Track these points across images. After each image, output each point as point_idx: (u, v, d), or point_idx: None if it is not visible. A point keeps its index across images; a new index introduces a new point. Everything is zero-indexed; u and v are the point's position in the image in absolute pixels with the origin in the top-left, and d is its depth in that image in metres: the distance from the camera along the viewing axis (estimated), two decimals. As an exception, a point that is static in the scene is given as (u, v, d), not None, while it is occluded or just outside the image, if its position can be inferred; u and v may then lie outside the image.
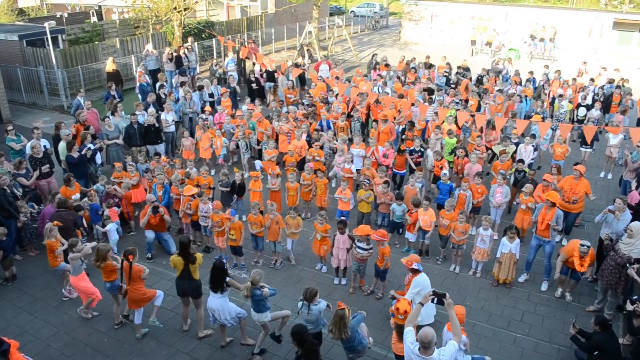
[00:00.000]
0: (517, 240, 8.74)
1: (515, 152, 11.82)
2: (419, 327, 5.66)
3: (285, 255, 9.76)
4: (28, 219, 9.63)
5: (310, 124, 13.54)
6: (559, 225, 8.84)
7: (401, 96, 15.15)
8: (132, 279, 7.35)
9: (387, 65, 18.96)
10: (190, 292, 7.64)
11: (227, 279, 7.15)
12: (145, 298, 7.60)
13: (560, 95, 15.40)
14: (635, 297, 7.02)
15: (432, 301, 5.65)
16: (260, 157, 12.72)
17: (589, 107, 14.76)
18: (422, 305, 5.71)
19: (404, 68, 19.35)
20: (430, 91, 16.05)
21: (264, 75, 17.92)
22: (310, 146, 12.22)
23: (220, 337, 7.62)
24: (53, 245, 8.37)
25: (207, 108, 14.28)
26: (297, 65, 18.56)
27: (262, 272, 7.06)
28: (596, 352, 6.73)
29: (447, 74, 18.49)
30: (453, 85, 17.20)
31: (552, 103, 15.98)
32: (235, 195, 10.82)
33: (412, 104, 14.54)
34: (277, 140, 12.96)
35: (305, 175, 10.90)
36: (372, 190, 10.40)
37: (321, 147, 12.06)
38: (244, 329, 7.48)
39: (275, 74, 17.77)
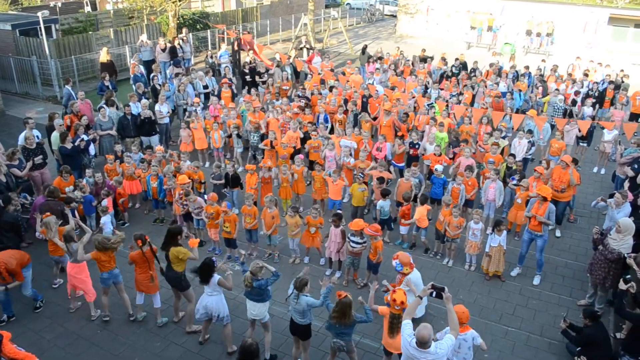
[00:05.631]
0: (505, 232, 8.78)
1: (507, 145, 11.83)
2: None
3: (280, 249, 9.75)
4: (19, 211, 9.55)
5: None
6: (551, 220, 8.87)
7: (393, 88, 15.12)
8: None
9: (380, 58, 18.88)
10: (171, 282, 7.62)
11: (218, 278, 7.03)
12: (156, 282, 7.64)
13: (557, 89, 15.34)
14: (629, 276, 7.05)
15: (431, 294, 5.68)
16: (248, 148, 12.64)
17: (580, 103, 14.76)
18: (421, 298, 5.74)
19: (397, 57, 19.31)
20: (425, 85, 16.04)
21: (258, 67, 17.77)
22: (304, 138, 12.20)
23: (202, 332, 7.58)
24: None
25: (196, 100, 14.18)
26: (289, 58, 18.51)
27: (261, 263, 7.03)
28: (580, 348, 6.80)
29: (445, 69, 18.47)
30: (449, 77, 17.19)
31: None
32: (228, 187, 10.77)
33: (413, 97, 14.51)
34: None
35: (295, 167, 10.81)
36: (366, 183, 10.40)
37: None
38: (228, 336, 7.32)
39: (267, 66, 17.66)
